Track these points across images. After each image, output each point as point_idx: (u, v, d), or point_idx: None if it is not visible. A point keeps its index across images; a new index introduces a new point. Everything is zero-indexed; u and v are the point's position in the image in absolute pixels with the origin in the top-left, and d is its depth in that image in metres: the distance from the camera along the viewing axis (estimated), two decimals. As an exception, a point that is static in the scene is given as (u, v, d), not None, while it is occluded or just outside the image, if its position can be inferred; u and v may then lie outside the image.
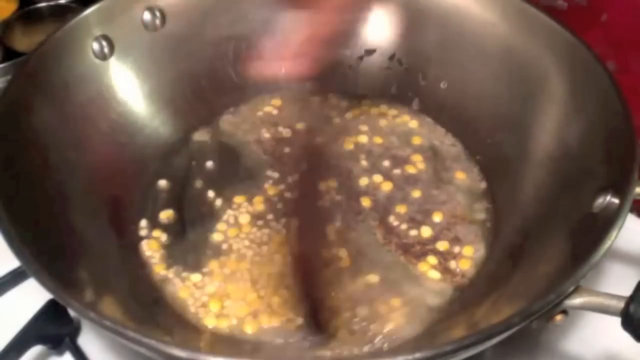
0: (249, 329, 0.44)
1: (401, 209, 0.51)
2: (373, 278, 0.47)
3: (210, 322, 0.45)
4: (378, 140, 0.55)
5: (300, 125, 0.57)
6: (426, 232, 0.49)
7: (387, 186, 0.52)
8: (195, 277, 0.47)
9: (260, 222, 0.50)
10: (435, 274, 0.47)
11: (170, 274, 0.47)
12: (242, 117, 0.57)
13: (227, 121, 0.57)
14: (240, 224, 0.50)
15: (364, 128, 0.56)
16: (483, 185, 0.52)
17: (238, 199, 0.52)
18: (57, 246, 0.43)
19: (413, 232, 0.50)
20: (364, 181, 0.53)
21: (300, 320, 0.44)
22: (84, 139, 0.51)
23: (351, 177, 0.53)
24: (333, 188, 0.52)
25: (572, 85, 0.49)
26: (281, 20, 0.57)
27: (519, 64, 0.52)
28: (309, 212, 0.51)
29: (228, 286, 0.46)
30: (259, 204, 0.51)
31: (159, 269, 0.48)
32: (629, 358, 0.45)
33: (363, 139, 0.55)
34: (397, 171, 0.53)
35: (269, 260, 0.48)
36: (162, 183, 0.53)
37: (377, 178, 0.53)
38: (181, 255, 0.48)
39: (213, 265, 0.48)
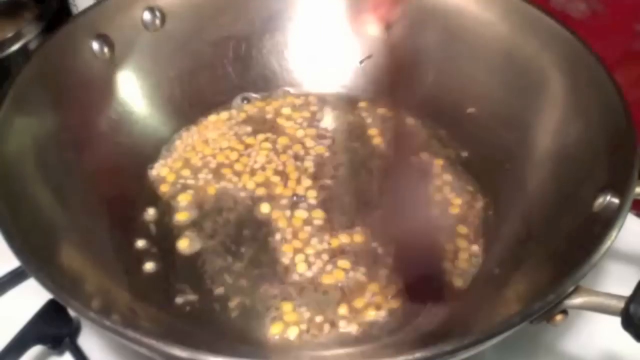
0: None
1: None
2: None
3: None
4: (377, 140, 0.55)
5: (297, 123, 0.57)
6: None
7: (387, 184, 0.52)
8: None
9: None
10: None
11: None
12: (241, 116, 0.57)
13: (227, 119, 0.57)
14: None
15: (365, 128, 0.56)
16: (483, 184, 0.52)
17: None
18: (57, 246, 0.43)
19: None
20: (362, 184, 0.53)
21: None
22: (84, 138, 0.51)
23: (350, 177, 0.53)
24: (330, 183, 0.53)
25: (572, 85, 0.49)
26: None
27: (519, 64, 0.52)
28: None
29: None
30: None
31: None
32: (629, 358, 0.45)
33: (363, 138, 0.56)
34: (395, 169, 0.53)
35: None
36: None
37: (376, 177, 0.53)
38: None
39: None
